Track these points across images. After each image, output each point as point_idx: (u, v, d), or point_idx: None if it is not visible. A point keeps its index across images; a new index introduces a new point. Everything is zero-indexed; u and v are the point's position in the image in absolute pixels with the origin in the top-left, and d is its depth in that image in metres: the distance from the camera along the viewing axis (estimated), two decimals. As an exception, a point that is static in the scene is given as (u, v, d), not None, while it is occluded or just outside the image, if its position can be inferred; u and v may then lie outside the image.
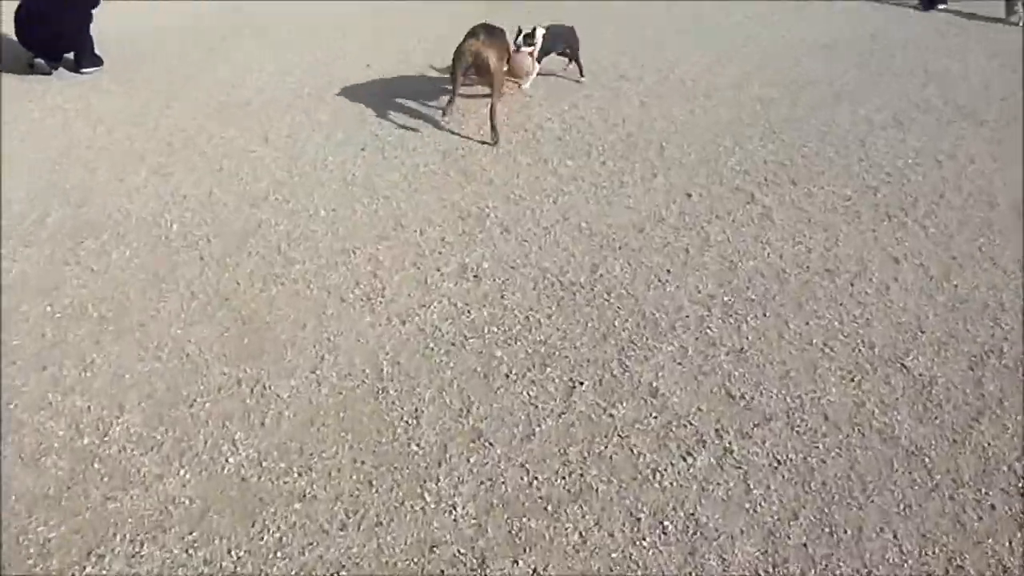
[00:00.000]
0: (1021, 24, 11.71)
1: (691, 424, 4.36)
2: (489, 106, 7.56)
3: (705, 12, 11.70)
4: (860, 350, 4.93)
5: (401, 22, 10.87)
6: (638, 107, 8.32)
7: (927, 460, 4.19)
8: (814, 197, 6.63)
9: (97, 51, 8.80)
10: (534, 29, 8.22)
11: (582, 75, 8.90)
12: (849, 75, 9.36)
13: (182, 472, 4.05)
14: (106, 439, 4.22)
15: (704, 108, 8.34)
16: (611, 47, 9.85)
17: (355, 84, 8.66)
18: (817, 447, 4.24)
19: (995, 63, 9.88)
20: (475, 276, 5.53)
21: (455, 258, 5.73)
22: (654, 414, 4.42)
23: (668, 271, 5.62)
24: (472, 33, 7.65)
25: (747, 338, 5.01)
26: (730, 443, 4.25)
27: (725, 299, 5.35)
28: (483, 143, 7.39)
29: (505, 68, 7.96)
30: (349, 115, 7.94)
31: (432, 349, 4.86)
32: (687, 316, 5.18)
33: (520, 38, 8.15)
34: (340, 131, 7.59)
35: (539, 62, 8.51)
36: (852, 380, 4.69)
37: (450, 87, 7.76)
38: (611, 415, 4.41)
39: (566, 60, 8.95)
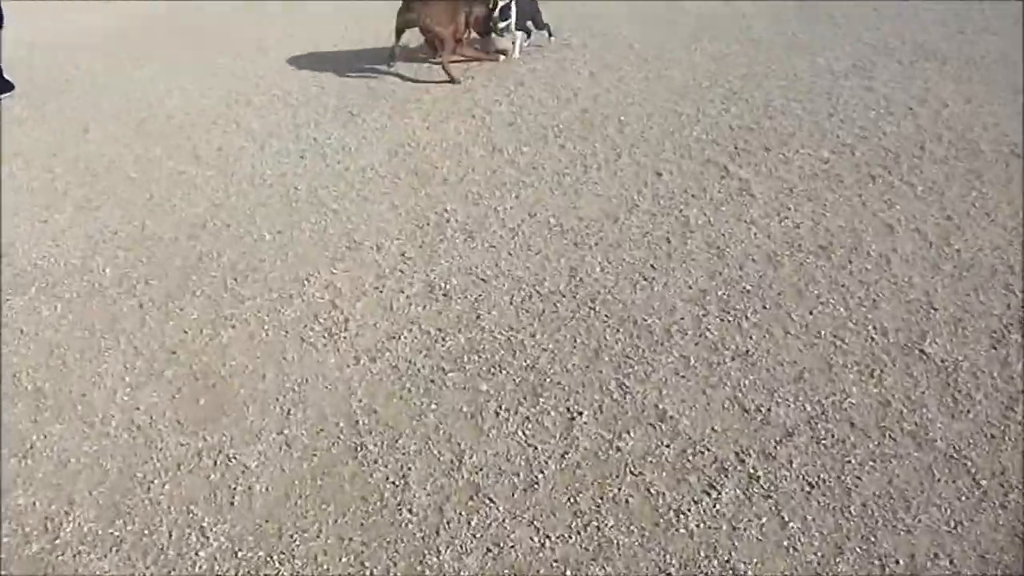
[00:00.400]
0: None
1: (708, 449, 3.93)
2: (441, 66, 7.93)
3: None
4: (873, 338, 4.52)
5: (321, 8, 10.27)
6: (588, 78, 7.84)
7: (968, 463, 3.79)
8: (791, 163, 6.21)
9: (6, 76, 8.14)
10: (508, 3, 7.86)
11: (524, 45, 8.43)
12: (798, 22, 8.94)
13: (147, 574, 3.57)
14: (57, 542, 3.72)
15: (657, 72, 7.89)
16: (547, 13, 9.27)
17: (283, 84, 8.09)
18: (849, 461, 3.83)
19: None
20: (444, 294, 5.05)
21: (419, 275, 5.24)
22: (666, 442, 3.98)
23: (652, 266, 5.18)
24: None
25: (750, 337, 4.58)
26: (754, 467, 3.83)
27: (719, 293, 4.91)
28: (429, 135, 6.88)
29: (463, 33, 8.05)
30: (282, 120, 7.38)
31: (409, 390, 4.38)
32: (682, 318, 4.74)
33: (497, 12, 7.89)
34: (274, 139, 7.03)
35: (520, 30, 8.26)
36: (872, 375, 4.28)
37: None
38: (619, 448, 3.96)
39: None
